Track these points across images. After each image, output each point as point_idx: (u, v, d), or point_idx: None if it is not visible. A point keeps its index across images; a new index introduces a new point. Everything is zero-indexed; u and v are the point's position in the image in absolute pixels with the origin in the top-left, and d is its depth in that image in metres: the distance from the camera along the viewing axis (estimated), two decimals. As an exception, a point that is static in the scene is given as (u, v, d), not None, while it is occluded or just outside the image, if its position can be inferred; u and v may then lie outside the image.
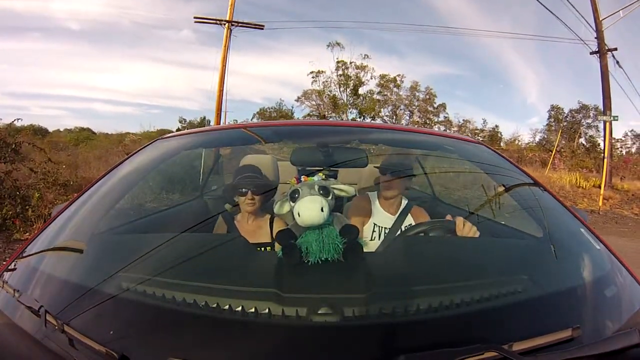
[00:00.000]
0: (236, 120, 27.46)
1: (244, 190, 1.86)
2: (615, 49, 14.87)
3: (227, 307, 0.87)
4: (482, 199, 1.67)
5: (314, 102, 31.46)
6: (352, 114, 30.68)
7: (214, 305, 0.88)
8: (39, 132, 24.54)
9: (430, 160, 2.63)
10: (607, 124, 13.73)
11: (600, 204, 11.70)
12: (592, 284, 1.09)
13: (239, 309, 0.87)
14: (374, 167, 2.28)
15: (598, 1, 14.95)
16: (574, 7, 14.26)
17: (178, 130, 27.47)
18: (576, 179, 14.38)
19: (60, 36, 51.55)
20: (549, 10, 14.60)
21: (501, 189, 1.53)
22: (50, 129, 28.49)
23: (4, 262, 1.36)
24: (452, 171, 2.18)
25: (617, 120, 13.09)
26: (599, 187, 12.53)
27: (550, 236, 1.25)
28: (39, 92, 54.30)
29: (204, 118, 31.21)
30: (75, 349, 0.80)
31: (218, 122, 16.70)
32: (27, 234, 5.42)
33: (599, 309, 1.01)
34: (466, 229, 1.45)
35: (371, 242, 1.95)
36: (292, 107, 32.76)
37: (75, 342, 0.81)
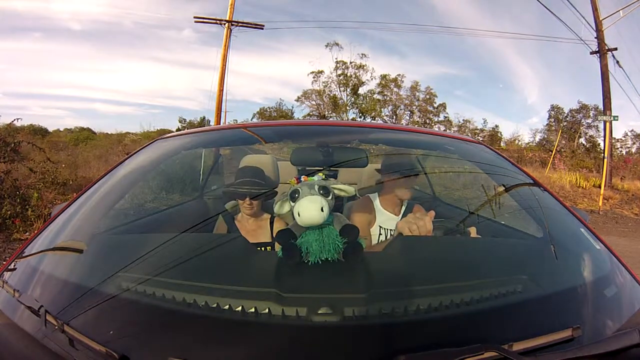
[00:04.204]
0: (236, 120, 27.59)
1: (242, 195, 1.87)
2: (616, 49, 14.88)
3: (227, 307, 0.87)
4: (483, 199, 1.66)
5: (313, 102, 31.55)
6: (352, 113, 30.74)
7: (214, 305, 0.88)
8: (39, 132, 24.58)
9: (430, 160, 2.63)
10: (607, 123, 13.72)
11: (600, 204, 11.71)
12: (592, 284, 1.09)
13: (239, 309, 0.87)
14: (375, 169, 2.26)
15: (598, 1, 14.96)
16: (574, 7, 14.29)
17: (178, 130, 27.53)
18: (576, 179, 14.38)
19: (61, 36, 51.51)
20: (549, 10, 14.65)
21: (501, 189, 1.53)
22: (51, 129, 28.60)
23: (4, 262, 1.36)
24: (452, 171, 2.18)
25: (617, 120, 13.09)
26: (599, 187, 12.53)
27: (551, 236, 1.24)
28: (39, 92, 54.32)
29: (204, 118, 31.37)
30: (75, 349, 0.80)
31: (218, 122, 16.71)
32: (27, 233, 5.42)
33: (599, 309, 1.01)
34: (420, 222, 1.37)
35: (378, 244, 1.91)
36: (292, 107, 32.89)
37: (75, 342, 0.81)
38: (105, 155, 13.59)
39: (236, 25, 16.46)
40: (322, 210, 1.09)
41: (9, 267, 1.21)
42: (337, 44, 30.01)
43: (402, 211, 2.02)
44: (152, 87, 55.08)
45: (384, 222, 1.99)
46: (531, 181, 1.53)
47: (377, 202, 2.04)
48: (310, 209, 1.09)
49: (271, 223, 1.96)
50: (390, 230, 1.96)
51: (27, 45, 44.10)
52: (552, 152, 19.45)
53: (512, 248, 1.44)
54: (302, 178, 1.22)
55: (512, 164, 1.68)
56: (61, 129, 30.12)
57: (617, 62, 14.94)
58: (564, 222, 1.40)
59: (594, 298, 1.04)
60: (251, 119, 32.73)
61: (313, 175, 1.22)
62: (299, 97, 32.14)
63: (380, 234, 1.97)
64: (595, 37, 14.97)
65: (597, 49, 15.00)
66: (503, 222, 1.81)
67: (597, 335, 0.87)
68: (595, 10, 14.93)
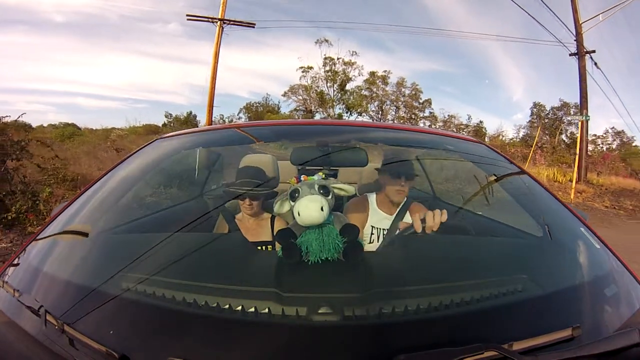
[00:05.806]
0: (222, 115, 27.39)
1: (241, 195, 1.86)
2: (594, 52, 15.33)
3: (227, 306, 0.87)
4: (482, 198, 1.67)
5: (300, 97, 31.50)
6: (339, 109, 30.80)
7: (214, 305, 0.87)
8: (22, 128, 23.89)
9: (430, 159, 2.63)
10: (581, 122, 14.13)
11: (572, 197, 12.32)
12: (592, 283, 1.10)
13: (239, 308, 0.87)
14: (376, 169, 2.25)
15: (578, 5, 15.30)
16: (553, 12, 14.68)
17: (164, 125, 27.24)
18: (553, 174, 14.94)
19: (43, 29, 49.81)
20: (531, 16, 15.09)
21: (501, 188, 1.54)
22: (34, 125, 27.86)
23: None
24: (452, 170, 2.19)
25: (589, 119, 13.91)
26: (575, 181, 13.08)
27: (550, 235, 1.26)
28: (21, 87, 52.65)
29: (190, 113, 31.02)
30: (76, 349, 0.80)
31: (210, 121, 16.58)
32: (40, 227, 5.39)
33: (599, 308, 1.02)
34: (436, 219, 1.33)
35: (370, 244, 1.91)
36: (279, 102, 32.80)
37: (76, 342, 0.80)
38: (93, 151, 13.31)
39: (228, 24, 16.28)
40: (322, 209, 1.09)
41: (10, 267, 1.20)
42: (326, 41, 30.03)
43: (397, 210, 1.99)
44: (136, 81, 53.60)
45: (377, 222, 1.97)
46: (531, 181, 1.54)
47: (373, 202, 2.02)
48: (310, 209, 1.09)
49: (272, 222, 1.95)
50: (384, 230, 1.94)
51: (8, 38, 42.76)
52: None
53: (512, 247, 1.45)
54: (302, 177, 1.22)
55: (512, 164, 1.68)
56: (45, 125, 29.41)
57: (595, 63, 15.40)
58: (564, 221, 1.41)
59: (594, 297, 1.04)
60: (237, 114, 32.58)
61: (313, 175, 1.22)
62: (285, 92, 32.11)
63: (372, 233, 1.95)
64: (575, 40, 15.30)
65: (576, 51, 15.33)
66: (503, 222, 1.82)
67: (597, 334, 0.88)
68: (575, 13, 15.26)
